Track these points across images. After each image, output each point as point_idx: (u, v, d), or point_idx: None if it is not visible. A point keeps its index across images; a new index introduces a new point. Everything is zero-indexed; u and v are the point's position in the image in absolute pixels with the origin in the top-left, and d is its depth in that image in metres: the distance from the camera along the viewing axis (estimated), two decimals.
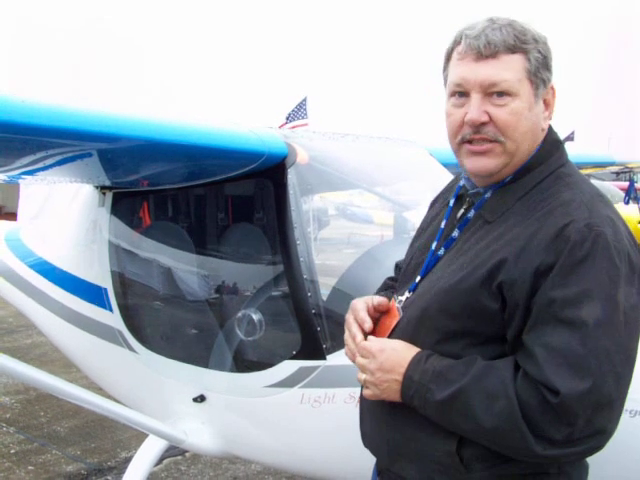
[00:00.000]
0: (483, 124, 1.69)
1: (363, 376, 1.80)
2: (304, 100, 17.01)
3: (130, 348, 3.63)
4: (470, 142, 1.73)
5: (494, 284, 1.63)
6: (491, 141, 1.70)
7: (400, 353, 1.75)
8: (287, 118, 16.72)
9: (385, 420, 1.84)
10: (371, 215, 4.44)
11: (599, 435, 1.56)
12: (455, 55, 1.75)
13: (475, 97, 1.69)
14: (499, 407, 1.56)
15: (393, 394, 1.75)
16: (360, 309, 1.93)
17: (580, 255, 1.55)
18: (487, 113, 1.69)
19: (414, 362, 1.72)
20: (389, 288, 2.17)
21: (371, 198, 4.23)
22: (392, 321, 1.88)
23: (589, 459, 1.75)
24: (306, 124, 15.93)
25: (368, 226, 4.46)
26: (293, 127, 14.55)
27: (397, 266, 2.31)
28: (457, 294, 1.69)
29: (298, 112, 17.04)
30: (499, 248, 1.65)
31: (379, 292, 2.16)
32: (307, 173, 3.11)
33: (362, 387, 1.94)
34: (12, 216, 10.81)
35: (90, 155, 2.74)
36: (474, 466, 1.68)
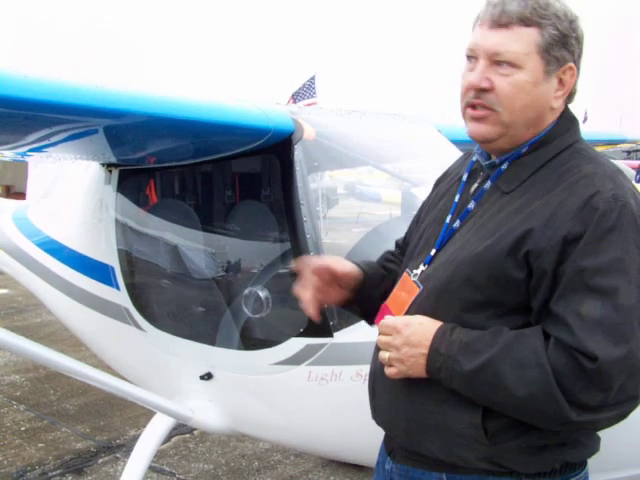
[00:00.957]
0: (484, 90, 1.70)
1: (387, 354, 1.76)
2: (313, 78, 16.86)
3: (137, 326, 3.62)
4: (473, 107, 1.74)
5: (520, 253, 1.63)
6: (488, 108, 1.72)
7: (426, 327, 1.73)
8: (294, 95, 16.59)
9: (403, 394, 1.81)
10: (380, 193, 4.41)
11: (631, 400, 1.59)
12: (477, 21, 1.77)
13: (481, 63, 1.71)
14: (532, 375, 1.56)
15: (420, 369, 1.72)
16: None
17: (608, 225, 1.57)
18: (489, 80, 1.70)
19: (439, 334, 1.70)
20: (388, 261, 2.18)
21: (379, 175, 4.20)
22: (410, 295, 1.86)
23: (602, 432, 1.75)
24: (315, 103, 15.83)
25: (377, 204, 4.43)
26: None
27: (397, 245, 2.30)
28: (482, 264, 1.68)
29: (307, 90, 16.90)
30: (524, 218, 1.65)
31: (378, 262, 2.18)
32: (314, 149, 3.07)
33: (374, 366, 1.93)
34: (21, 195, 10.88)
35: (95, 131, 2.72)
36: (498, 438, 1.68)
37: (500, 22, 1.68)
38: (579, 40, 1.74)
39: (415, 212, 2.25)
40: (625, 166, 15.62)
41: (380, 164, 3.71)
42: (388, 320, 1.80)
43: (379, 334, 1.80)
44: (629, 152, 21.90)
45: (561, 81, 1.74)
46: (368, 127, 3.57)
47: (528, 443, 1.67)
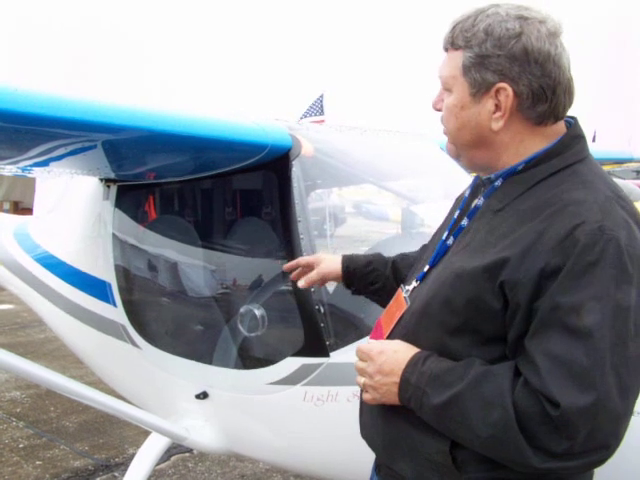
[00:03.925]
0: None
1: (362, 380, 1.75)
2: (321, 97, 17.02)
3: (133, 343, 3.58)
4: None
5: (496, 282, 1.54)
6: None
7: (400, 355, 1.68)
8: (305, 115, 16.75)
9: (381, 414, 1.79)
10: (387, 212, 4.37)
11: (601, 450, 1.47)
12: None
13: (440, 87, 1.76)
14: (495, 416, 1.48)
15: (393, 397, 1.69)
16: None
17: (589, 260, 1.45)
18: (441, 102, 1.75)
19: (411, 364, 1.65)
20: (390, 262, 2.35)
21: (385, 194, 4.16)
22: (398, 311, 1.84)
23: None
24: (322, 120, 15.91)
25: (384, 223, 4.38)
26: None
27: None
28: (460, 287, 1.61)
29: (314, 109, 17.04)
30: (504, 246, 1.57)
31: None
32: (312, 166, 3.04)
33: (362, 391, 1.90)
34: (29, 211, 10.88)
35: (93, 147, 2.69)
36: (467, 467, 1.61)
37: (444, 47, 1.72)
38: (515, 57, 1.59)
39: (414, 229, 2.24)
40: (634, 186, 15.53)
41: (380, 182, 3.67)
42: (363, 346, 1.77)
43: (357, 359, 1.78)
44: (638, 172, 21.82)
45: (497, 105, 1.64)
46: (368, 144, 3.53)
47: (498, 476, 1.60)
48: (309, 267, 2.44)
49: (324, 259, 2.42)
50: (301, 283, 2.43)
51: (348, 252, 2.49)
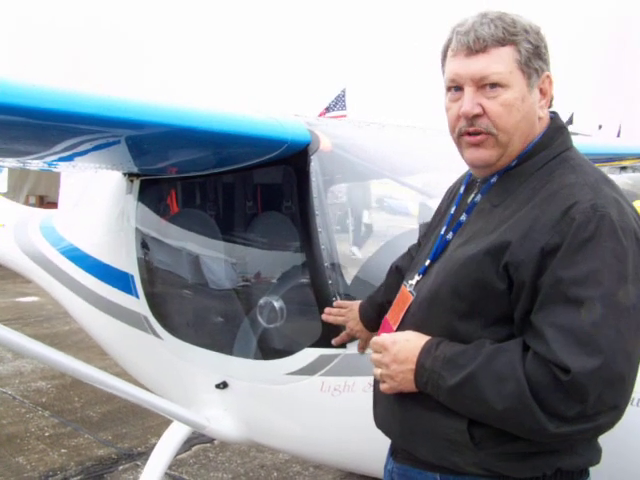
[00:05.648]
0: (477, 116, 1.74)
1: (379, 371, 1.84)
2: (343, 91, 17.00)
3: (155, 334, 3.65)
4: (469, 134, 1.77)
5: (500, 265, 1.65)
6: (484, 133, 1.75)
7: (413, 343, 1.78)
8: (327, 109, 16.74)
9: (397, 400, 1.87)
10: (408, 207, 4.39)
11: (611, 411, 1.57)
12: (449, 52, 1.81)
13: (468, 90, 1.75)
14: (509, 389, 1.58)
15: (409, 384, 1.78)
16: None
17: (585, 236, 1.57)
18: (480, 105, 1.73)
19: (425, 350, 1.75)
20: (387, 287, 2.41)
21: (403, 189, 4.18)
22: (404, 304, 1.94)
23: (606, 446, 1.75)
24: (344, 115, 15.91)
25: (405, 217, 4.40)
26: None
27: (409, 251, 2.42)
28: (466, 275, 1.72)
29: (337, 103, 17.02)
30: (505, 230, 1.68)
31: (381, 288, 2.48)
32: (330, 161, 3.08)
33: (378, 382, 1.97)
34: (54, 205, 11.02)
35: (117, 142, 2.75)
36: (485, 444, 1.70)
37: (476, 48, 1.73)
38: (547, 48, 1.78)
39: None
40: None
41: (398, 177, 3.70)
42: (377, 338, 1.87)
43: (372, 351, 1.87)
44: None
45: (542, 90, 1.78)
46: (387, 139, 3.57)
47: (515, 449, 1.69)
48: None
49: (351, 319, 2.65)
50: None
51: (367, 248, 2.59)
